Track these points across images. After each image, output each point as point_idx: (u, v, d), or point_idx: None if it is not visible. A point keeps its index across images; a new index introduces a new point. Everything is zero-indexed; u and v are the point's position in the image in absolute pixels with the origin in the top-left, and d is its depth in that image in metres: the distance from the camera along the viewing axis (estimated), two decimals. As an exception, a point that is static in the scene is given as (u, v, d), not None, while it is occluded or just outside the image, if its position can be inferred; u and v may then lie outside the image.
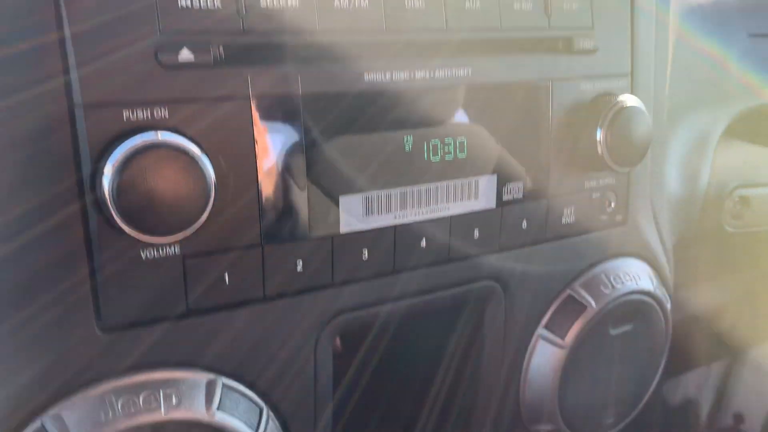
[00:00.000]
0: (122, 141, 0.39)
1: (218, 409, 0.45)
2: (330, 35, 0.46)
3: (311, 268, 0.48)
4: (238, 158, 0.44)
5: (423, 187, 0.51)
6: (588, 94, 0.57)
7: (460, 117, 0.52)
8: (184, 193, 0.40)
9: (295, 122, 0.45)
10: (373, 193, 0.49)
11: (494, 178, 0.54)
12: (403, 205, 0.51)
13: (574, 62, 0.56)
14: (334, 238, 0.49)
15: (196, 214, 0.41)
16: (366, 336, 0.55)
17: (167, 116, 0.41)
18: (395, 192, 0.50)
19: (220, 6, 0.42)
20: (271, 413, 0.49)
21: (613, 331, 0.63)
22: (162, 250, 0.43)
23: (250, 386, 0.48)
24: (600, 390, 0.65)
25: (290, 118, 0.45)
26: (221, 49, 0.42)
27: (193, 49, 0.41)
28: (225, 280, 0.45)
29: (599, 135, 0.56)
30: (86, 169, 0.40)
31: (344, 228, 0.49)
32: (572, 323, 0.60)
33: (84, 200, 0.41)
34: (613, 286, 0.62)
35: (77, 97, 0.39)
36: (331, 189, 0.48)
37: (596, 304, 0.61)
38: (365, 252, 0.50)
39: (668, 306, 0.67)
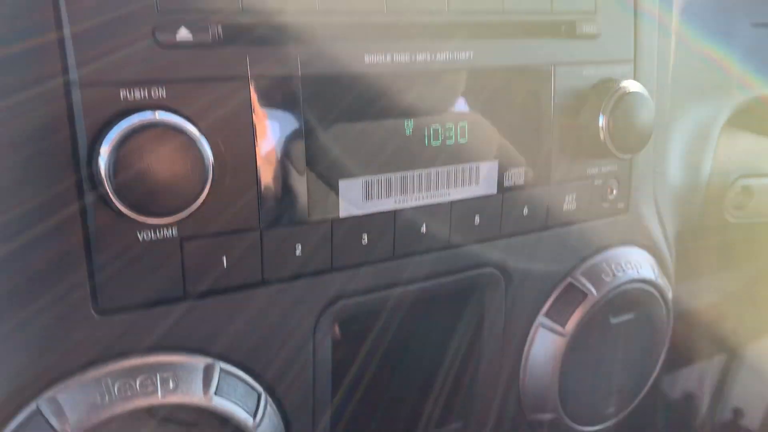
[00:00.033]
0: (119, 121, 0.39)
1: (216, 393, 0.45)
2: (330, 16, 0.45)
3: (310, 252, 0.48)
4: (236, 139, 0.43)
5: (423, 171, 0.51)
6: (590, 80, 0.57)
7: (462, 102, 0.51)
8: (181, 174, 0.39)
9: (295, 104, 0.45)
10: (373, 178, 0.49)
11: (495, 164, 0.54)
12: (403, 190, 0.50)
13: (577, 47, 0.56)
14: (334, 222, 0.48)
15: (194, 195, 0.40)
16: (365, 322, 0.54)
17: (165, 96, 0.41)
18: (395, 176, 0.50)
19: None
20: (269, 398, 0.49)
21: (614, 320, 0.63)
22: (159, 232, 0.42)
23: (248, 371, 0.48)
24: (601, 379, 0.65)
25: (289, 99, 0.44)
26: (219, 28, 0.42)
27: (191, 29, 0.41)
28: (223, 264, 0.45)
29: (601, 121, 0.56)
30: (83, 150, 0.40)
31: (344, 212, 0.48)
32: (573, 311, 0.60)
33: (80, 182, 0.40)
34: (614, 275, 0.61)
35: (73, 76, 0.39)
36: (330, 173, 0.47)
37: (597, 292, 0.60)
38: (365, 237, 0.50)
39: (669, 295, 0.67)
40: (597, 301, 0.60)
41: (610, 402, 0.67)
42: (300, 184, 0.46)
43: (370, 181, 0.49)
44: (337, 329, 0.55)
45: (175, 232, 0.43)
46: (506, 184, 0.55)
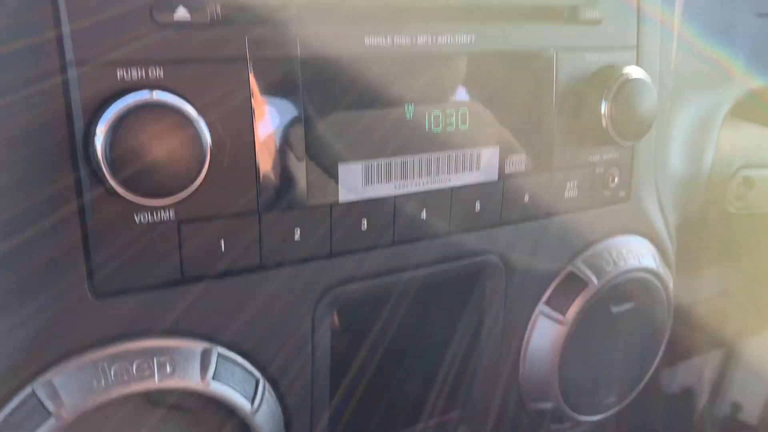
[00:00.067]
0: (116, 100, 0.38)
1: (213, 378, 0.44)
2: (330, -4, 0.44)
3: (309, 237, 0.47)
4: (234, 121, 0.43)
5: (424, 157, 0.50)
6: (593, 66, 0.56)
7: (463, 87, 0.51)
8: (178, 154, 0.39)
9: (294, 86, 0.44)
10: (373, 162, 0.48)
11: (496, 150, 0.53)
12: (404, 175, 0.50)
13: (579, 33, 0.55)
14: (333, 207, 0.48)
15: (191, 176, 0.40)
16: (364, 309, 0.54)
17: (162, 76, 0.40)
18: (395, 161, 0.49)
19: None
20: (267, 384, 0.48)
21: (615, 309, 0.62)
22: (156, 214, 0.42)
23: (246, 356, 0.47)
24: (601, 368, 0.64)
25: (288, 81, 0.44)
26: (218, 8, 0.41)
27: (189, 8, 0.40)
28: (221, 248, 0.45)
29: (604, 108, 0.55)
30: (79, 130, 0.39)
31: (343, 197, 0.48)
32: (573, 300, 0.60)
33: (77, 163, 0.40)
34: (615, 263, 0.61)
35: (69, 55, 0.38)
36: (329, 156, 0.47)
37: (598, 280, 0.60)
38: (364, 222, 0.49)
39: (670, 285, 0.66)
40: (598, 289, 0.60)
41: (611, 392, 0.66)
42: (299, 167, 0.46)
43: (369, 166, 0.48)
44: (336, 318, 0.54)
45: (172, 214, 0.42)
46: (507, 170, 0.54)
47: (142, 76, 0.39)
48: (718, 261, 0.95)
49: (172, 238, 0.43)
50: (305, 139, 0.45)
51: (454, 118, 0.51)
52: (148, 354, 0.43)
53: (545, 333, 0.60)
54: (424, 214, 0.52)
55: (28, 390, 0.41)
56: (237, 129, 0.43)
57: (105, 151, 0.38)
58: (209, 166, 0.41)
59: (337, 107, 0.46)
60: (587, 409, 0.65)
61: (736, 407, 1.20)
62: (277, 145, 0.45)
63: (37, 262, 0.40)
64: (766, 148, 0.83)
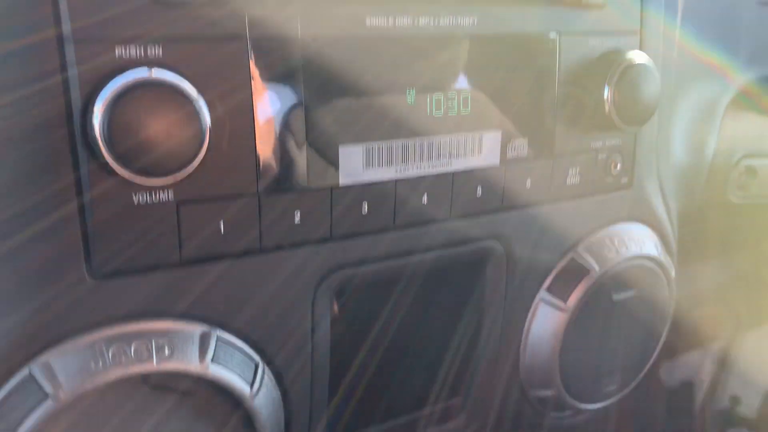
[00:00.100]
0: (114, 78, 0.38)
1: (212, 361, 0.44)
2: (331, -24, 0.44)
3: (309, 220, 0.47)
4: (233, 101, 0.42)
5: (425, 140, 0.50)
6: (596, 51, 0.56)
7: (465, 70, 0.50)
8: (177, 133, 0.38)
9: (294, 66, 0.43)
10: (374, 145, 0.48)
11: (498, 134, 0.53)
12: (405, 159, 0.49)
13: (583, 17, 0.55)
14: (333, 190, 0.47)
15: (190, 156, 0.39)
16: (364, 294, 0.54)
17: (161, 54, 0.39)
18: (396, 144, 0.49)
19: None
20: (266, 368, 0.48)
21: (616, 297, 0.62)
22: (155, 195, 0.41)
23: (246, 340, 0.47)
24: (601, 356, 0.64)
25: (289, 61, 0.43)
26: (218, -15, 0.40)
27: (188, -15, 0.40)
28: (220, 230, 0.44)
29: (607, 93, 0.55)
30: (76, 108, 0.39)
31: (344, 180, 0.47)
32: (575, 287, 0.59)
33: (75, 141, 0.39)
34: (617, 251, 0.61)
35: (67, 31, 0.38)
36: (330, 139, 0.46)
37: (599, 267, 0.60)
38: (365, 206, 0.49)
39: (672, 273, 0.66)
40: (599, 276, 0.60)
41: (612, 380, 0.66)
42: (299, 149, 0.45)
43: (370, 149, 0.48)
44: (335, 306, 0.54)
45: (171, 195, 0.42)
46: (509, 155, 0.54)
47: (140, 54, 0.39)
48: (720, 253, 0.95)
49: (170, 219, 0.42)
50: (305, 121, 0.45)
51: (455, 102, 0.50)
52: (147, 336, 0.43)
53: (546, 320, 0.60)
54: (425, 199, 0.51)
55: (25, 371, 0.40)
56: (236, 109, 0.42)
57: (103, 129, 0.37)
58: (208, 146, 0.40)
59: (338, 89, 0.45)
60: (588, 397, 0.65)
61: (735, 401, 1.20)
62: (277, 126, 0.44)
63: (34, 242, 0.40)
64: (769, 137, 0.83)
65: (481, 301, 0.59)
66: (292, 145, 0.45)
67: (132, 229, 0.42)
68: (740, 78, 0.81)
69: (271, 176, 0.45)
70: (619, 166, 0.61)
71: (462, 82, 0.50)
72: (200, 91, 0.40)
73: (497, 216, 0.55)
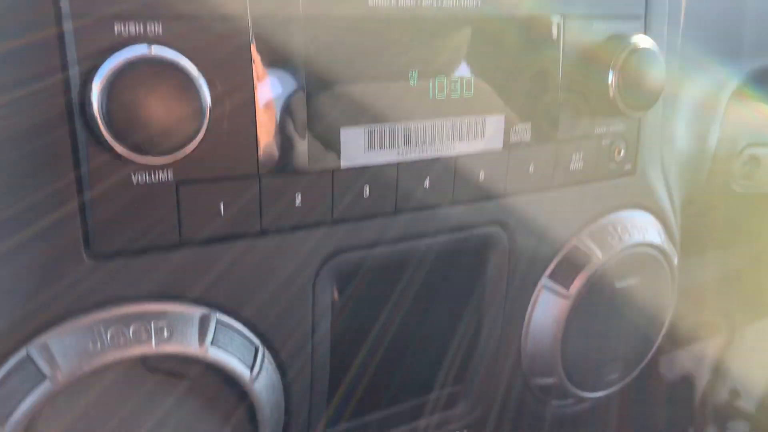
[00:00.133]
0: (113, 54, 0.37)
1: (212, 344, 0.43)
2: (333, -46, 0.43)
3: (310, 202, 0.46)
4: (234, 80, 0.41)
5: (428, 123, 0.49)
6: (600, 34, 0.55)
7: (468, 53, 0.50)
8: (176, 111, 0.38)
9: (296, 46, 0.43)
10: (376, 127, 0.47)
11: (502, 118, 0.52)
12: (407, 142, 0.49)
13: (587, 0, 0.54)
14: (335, 172, 0.47)
15: (190, 134, 0.39)
16: (365, 278, 0.53)
17: (161, 32, 0.39)
18: (399, 127, 0.48)
19: None
20: (267, 352, 0.47)
21: (619, 284, 0.61)
22: (154, 174, 0.41)
23: (246, 324, 0.46)
24: (603, 344, 0.64)
25: (290, 41, 0.43)
26: (219, -38, 0.40)
27: (189, -39, 0.39)
28: (220, 211, 0.44)
29: (611, 77, 0.54)
30: (75, 85, 0.38)
31: (345, 162, 0.47)
32: (577, 274, 0.59)
33: (73, 119, 0.39)
34: (620, 238, 0.60)
35: (66, 8, 0.37)
36: (331, 120, 0.46)
37: (602, 254, 0.59)
38: (366, 189, 0.48)
39: (675, 261, 0.66)
40: (602, 264, 0.59)
41: (614, 368, 0.65)
42: (300, 130, 0.45)
43: (372, 131, 0.47)
44: (336, 292, 0.54)
45: (170, 175, 0.41)
46: (512, 139, 0.53)
47: (140, 31, 0.38)
48: (722, 244, 0.95)
49: (170, 200, 0.42)
50: (307, 102, 0.44)
51: (458, 85, 0.50)
52: (145, 318, 0.42)
53: (548, 307, 0.59)
54: (427, 183, 0.51)
55: (22, 352, 0.40)
56: (237, 88, 0.42)
57: (101, 106, 0.37)
58: (208, 125, 0.40)
59: (340, 69, 0.45)
60: (590, 386, 0.65)
61: (734, 394, 1.20)
62: (278, 106, 0.44)
63: (32, 222, 0.39)
64: (773, 127, 0.82)
65: (483, 288, 0.58)
66: (293, 126, 0.44)
67: (131, 210, 0.41)
68: (744, 66, 0.81)
69: (271, 157, 0.44)
70: (622, 152, 0.60)
71: (465, 65, 0.50)
72: (200, 69, 0.39)
73: (500, 202, 0.55)
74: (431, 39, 0.48)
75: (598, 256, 0.59)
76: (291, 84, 0.44)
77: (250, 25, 0.41)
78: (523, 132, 0.53)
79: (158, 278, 0.43)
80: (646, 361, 0.68)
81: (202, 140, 0.40)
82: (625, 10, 0.57)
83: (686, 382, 1.21)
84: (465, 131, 0.51)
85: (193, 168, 0.42)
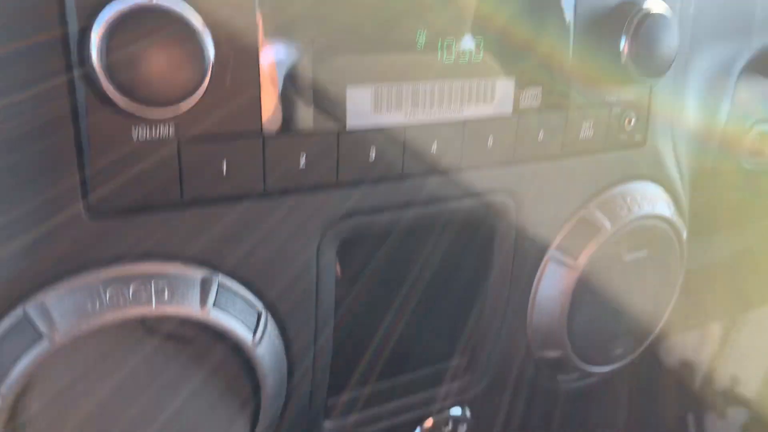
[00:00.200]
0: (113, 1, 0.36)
1: (214, 306, 0.42)
2: None
3: (315, 164, 0.45)
4: (238, 34, 0.40)
5: (436, 84, 0.48)
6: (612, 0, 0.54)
7: (477, 14, 0.48)
8: (178, 60, 0.36)
9: (303, 4, 0.41)
10: (383, 87, 0.46)
11: (512, 81, 0.51)
12: (415, 104, 0.47)
13: None
14: (340, 133, 0.45)
15: (192, 86, 0.38)
16: (370, 245, 0.52)
17: None
18: (407, 88, 0.47)
19: None
20: (269, 317, 0.46)
21: (627, 256, 0.60)
22: (155, 130, 0.39)
23: (248, 287, 0.45)
24: (610, 318, 0.63)
25: (297, -3, 0.41)
26: None
27: None
28: (222, 171, 0.42)
29: (623, 43, 0.53)
30: (73, 34, 0.37)
31: (351, 123, 0.46)
32: (586, 244, 0.58)
33: (71, 70, 0.37)
34: (629, 209, 0.59)
35: (63, -48, 0.36)
36: (337, 78, 0.44)
37: (611, 225, 0.58)
38: (372, 152, 0.47)
39: (684, 235, 0.65)
40: (611, 235, 0.58)
41: (620, 343, 0.65)
42: (305, 88, 0.43)
43: (379, 90, 0.46)
44: (338, 268, 0.53)
45: (171, 131, 0.40)
46: (522, 104, 0.52)
47: None
48: (730, 224, 0.94)
49: (171, 157, 0.40)
50: (313, 60, 0.43)
51: (467, 47, 0.48)
52: (146, 278, 0.41)
53: (555, 278, 0.58)
54: (435, 147, 0.49)
55: (19, 311, 0.39)
56: (241, 43, 0.40)
57: (101, 54, 0.36)
58: (210, 79, 0.39)
59: (347, 26, 0.43)
60: (596, 360, 0.64)
61: (734, 380, 1.19)
62: (283, 64, 0.42)
63: (29, 178, 0.38)
64: (784, 103, 0.81)
65: (490, 258, 0.57)
66: (298, 85, 0.43)
67: (131, 167, 0.40)
68: (755, 43, 0.79)
69: (275, 117, 0.43)
70: (633, 122, 0.59)
71: (474, 27, 0.48)
72: (204, 19, 0.38)
73: (508, 169, 0.53)
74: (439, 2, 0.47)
75: (606, 227, 0.58)
76: (297, 42, 0.42)
77: (255, -24, 0.40)
78: (533, 97, 0.52)
79: (159, 238, 0.42)
80: (653, 336, 0.67)
81: (204, 95, 0.39)
82: (639, -26, 0.55)
83: (686, 368, 1.20)
84: (474, 94, 0.50)
85: (195, 125, 0.40)
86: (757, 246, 1.02)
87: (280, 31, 0.42)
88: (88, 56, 0.36)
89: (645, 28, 0.53)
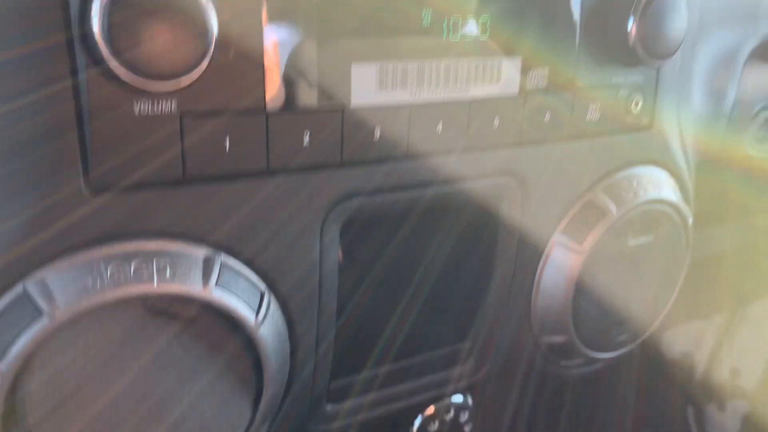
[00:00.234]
0: None
1: (216, 285, 0.42)
2: None
3: (319, 142, 0.45)
4: (243, 9, 0.39)
5: (442, 63, 0.47)
6: (621, -22, 0.53)
7: (484, -7, 0.48)
8: (181, 32, 0.36)
9: (307, -25, 0.41)
10: (388, 64, 0.45)
11: (518, 61, 0.50)
12: (420, 82, 0.47)
13: None
14: (345, 111, 0.45)
15: (195, 59, 0.37)
16: (374, 229, 0.51)
17: None
18: (412, 66, 0.46)
19: None
20: (272, 297, 0.46)
21: (633, 241, 0.60)
22: (157, 104, 0.39)
23: (251, 267, 0.45)
24: (615, 303, 0.62)
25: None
26: None
27: None
28: (225, 147, 0.42)
29: (631, 23, 0.52)
30: (74, 6, 0.36)
31: (356, 101, 0.45)
32: (591, 228, 0.57)
33: (72, 43, 0.37)
34: (635, 193, 0.58)
35: None
36: (342, 55, 0.44)
37: (617, 210, 0.57)
38: (377, 131, 0.46)
39: (690, 221, 0.64)
40: (617, 219, 0.57)
41: (624, 329, 0.64)
42: (309, 65, 0.43)
43: (384, 68, 0.45)
44: (340, 253, 0.52)
45: (174, 106, 0.39)
46: (529, 85, 0.51)
47: None
48: (734, 214, 0.93)
49: (174, 132, 0.40)
50: (317, 36, 0.42)
51: (473, 25, 0.48)
52: (147, 256, 0.40)
53: (561, 263, 0.58)
54: (440, 127, 0.49)
55: (19, 288, 0.38)
56: (245, 17, 0.40)
57: (102, 24, 0.35)
58: (213, 53, 0.38)
59: (352, 3, 0.43)
60: (599, 345, 0.63)
61: (734, 373, 1.19)
62: (288, 40, 0.42)
63: (28, 152, 0.38)
64: (790, 90, 0.80)
65: (494, 241, 0.56)
66: (302, 61, 0.42)
67: (133, 142, 0.39)
68: (763, 28, 0.79)
69: (279, 93, 0.42)
70: (640, 104, 0.58)
71: (481, 6, 0.48)
72: None
73: (514, 150, 0.53)
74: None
75: (612, 211, 0.57)
76: (301, 18, 0.42)
77: (259, -51, 0.39)
78: (540, 77, 0.52)
79: (161, 215, 0.41)
80: (657, 322, 0.67)
81: (206, 69, 0.38)
82: (647, -46, 0.55)
83: (687, 359, 1.20)
84: (480, 74, 0.49)
85: (198, 99, 0.40)
86: (760, 237, 1.01)
87: (284, 7, 0.41)
88: (89, 26, 0.35)
89: (653, 8, 0.52)
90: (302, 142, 0.44)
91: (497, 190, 0.54)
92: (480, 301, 0.59)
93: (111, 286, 0.39)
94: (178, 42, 0.36)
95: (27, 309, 0.38)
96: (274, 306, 0.46)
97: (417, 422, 0.61)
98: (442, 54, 0.47)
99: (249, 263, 0.44)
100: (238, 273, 0.44)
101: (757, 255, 1.02)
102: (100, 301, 0.39)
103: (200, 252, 0.42)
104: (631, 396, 0.99)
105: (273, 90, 0.42)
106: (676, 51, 0.54)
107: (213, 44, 0.38)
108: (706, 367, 1.21)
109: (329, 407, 0.55)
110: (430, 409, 0.62)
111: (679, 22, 0.53)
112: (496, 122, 0.51)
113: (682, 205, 0.63)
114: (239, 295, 0.43)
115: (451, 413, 0.63)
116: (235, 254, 0.44)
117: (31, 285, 0.38)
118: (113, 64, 0.35)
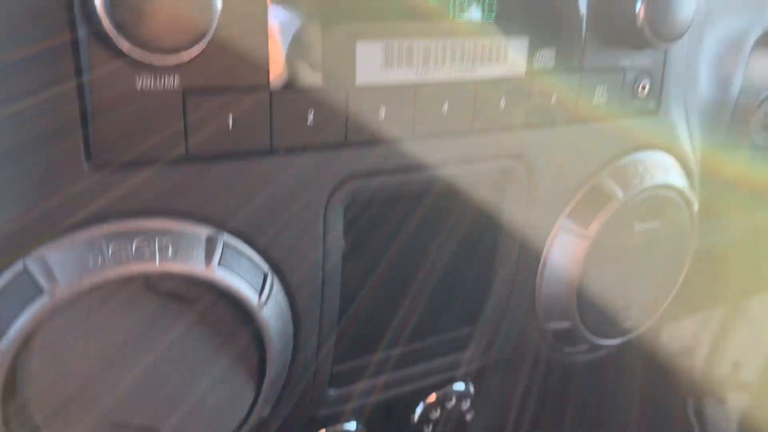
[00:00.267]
0: None
1: (219, 264, 0.41)
2: None
3: (323, 121, 0.44)
4: None
5: (448, 42, 0.46)
6: (630, -41, 0.52)
7: (491, -28, 0.47)
8: (184, 4, 0.35)
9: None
10: (394, 42, 0.45)
11: (525, 41, 0.50)
12: (426, 61, 0.46)
13: None
14: (350, 90, 0.44)
15: (198, 33, 0.36)
16: (378, 209, 0.51)
17: None
18: (418, 44, 0.45)
19: None
20: (276, 279, 0.45)
21: (639, 227, 0.59)
22: (160, 79, 0.38)
23: (254, 247, 0.44)
24: (620, 289, 0.62)
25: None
26: None
27: None
28: (228, 125, 0.41)
29: (639, 5, 0.51)
30: None
31: (361, 79, 0.44)
32: (597, 213, 0.56)
33: (73, 17, 0.36)
34: (641, 178, 0.58)
35: None
36: (347, 33, 0.43)
37: (623, 194, 0.57)
38: (382, 110, 0.46)
39: (695, 208, 0.63)
40: (623, 204, 0.57)
41: (628, 315, 0.63)
42: (314, 43, 0.42)
43: (390, 46, 0.44)
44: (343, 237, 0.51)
45: (176, 81, 0.39)
46: (535, 66, 0.51)
47: None
48: (738, 204, 0.92)
49: (176, 109, 0.39)
50: (322, 13, 0.42)
51: (481, 5, 0.47)
52: (149, 234, 0.40)
53: (566, 248, 0.57)
54: (446, 108, 0.48)
55: (19, 265, 0.38)
56: None
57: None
58: (217, 28, 0.37)
59: None
60: (604, 332, 0.63)
61: (736, 366, 1.19)
62: (292, 17, 0.41)
63: (29, 127, 0.37)
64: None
65: (499, 225, 0.56)
66: (307, 38, 0.42)
67: (135, 119, 0.39)
68: (769, 17, 0.78)
69: (283, 71, 0.42)
70: (647, 88, 0.57)
71: (488, -15, 0.47)
72: None
73: (520, 133, 0.52)
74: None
75: (618, 195, 0.57)
76: (306, -7, 0.41)
77: None
78: (547, 59, 0.51)
79: (163, 193, 0.41)
80: (661, 309, 0.66)
81: (209, 45, 0.38)
82: (656, -66, 0.54)
83: (687, 352, 1.20)
84: (486, 54, 0.48)
85: (201, 75, 0.39)
86: (763, 229, 1.01)
87: (288, -20, 0.40)
88: (92, 1, 0.35)
89: (662, -11, 0.51)
90: (306, 120, 0.43)
91: (503, 173, 0.53)
92: (484, 287, 0.58)
93: (112, 265, 0.38)
94: (180, 15, 0.35)
95: (27, 287, 0.37)
96: (277, 287, 0.45)
97: (419, 409, 0.61)
98: (449, 33, 0.46)
99: (252, 243, 0.44)
100: (240, 253, 0.43)
101: (760, 248, 1.02)
102: (101, 279, 0.38)
103: (203, 231, 0.42)
104: (632, 387, 0.98)
105: (277, 68, 0.42)
106: (684, 34, 0.54)
107: (216, 19, 0.37)
108: (707, 360, 1.20)
109: (332, 391, 0.54)
110: (432, 397, 0.61)
111: (687, 4, 0.53)
112: (503, 103, 0.50)
113: (688, 191, 0.62)
114: (242, 275, 0.42)
115: (453, 401, 0.62)
116: (239, 234, 0.43)
117: (31, 262, 0.38)
118: (114, 35, 0.35)
